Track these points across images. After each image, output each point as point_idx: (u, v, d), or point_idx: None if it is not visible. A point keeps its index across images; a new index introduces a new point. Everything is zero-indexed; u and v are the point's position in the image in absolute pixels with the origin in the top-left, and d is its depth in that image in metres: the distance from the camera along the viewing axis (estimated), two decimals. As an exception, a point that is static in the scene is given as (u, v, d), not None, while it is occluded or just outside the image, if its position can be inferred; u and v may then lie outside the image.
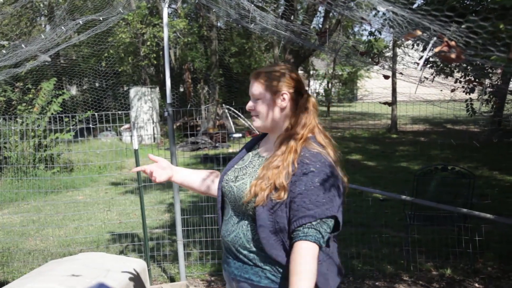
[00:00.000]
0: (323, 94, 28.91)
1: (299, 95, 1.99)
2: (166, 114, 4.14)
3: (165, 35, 4.33)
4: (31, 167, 9.02)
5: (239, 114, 17.23)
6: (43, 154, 9.54)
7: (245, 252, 1.91)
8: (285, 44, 16.83)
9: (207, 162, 11.41)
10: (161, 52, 17.74)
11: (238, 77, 22.74)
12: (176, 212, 4.46)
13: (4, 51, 4.67)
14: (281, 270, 1.86)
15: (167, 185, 5.83)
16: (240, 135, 15.21)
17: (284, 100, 1.95)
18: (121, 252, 5.44)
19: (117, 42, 17.70)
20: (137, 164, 4.50)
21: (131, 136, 4.70)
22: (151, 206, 7.34)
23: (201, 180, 2.26)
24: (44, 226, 6.57)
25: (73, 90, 22.89)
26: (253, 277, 1.88)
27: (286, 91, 1.95)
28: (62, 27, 4.76)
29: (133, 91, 16.52)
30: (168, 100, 4.23)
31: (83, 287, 2.57)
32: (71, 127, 9.50)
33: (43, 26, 20.33)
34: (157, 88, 17.93)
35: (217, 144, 14.17)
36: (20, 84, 11.38)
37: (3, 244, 5.87)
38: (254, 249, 1.89)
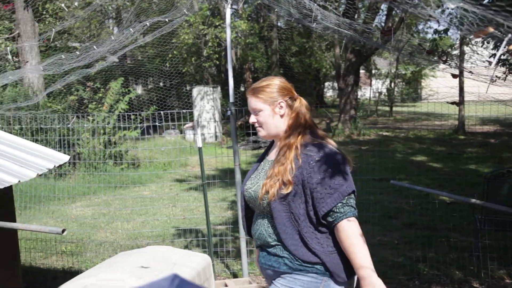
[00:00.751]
0: (386, 94, 28.28)
1: (293, 100, 2.24)
2: (229, 113, 4.22)
3: (228, 35, 4.41)
4: (101, 163, 9.45)
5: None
6: (112, 151, 9.98)
7: (267, 245, 2.19)
8: (347, 43, 16.63)
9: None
10: (223, 53, 18.02)
11: (299, 76, 22.68)
12: (239, 209, 4.53)
13: (78, 53, 4.94)
14: (296, 258, 2.09)
15: (230, 182, 5.93)
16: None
17: (282, 108, 2.21)
18: (185, 247, 5.60)
19: (180, 43, 18.17)
20: (201, 162, 4.64)
21: (195, 134, 4.83)
22: (214, 203, 7.50)
23: None
24: (113, 219, 6.88)
25: (139, 90, 23.70)
26: (274, 264, 2.16)
27: (281, 99, 2.21)
28: (131, 29, 4.97)
29: (195, 91, 16.89)
30: (231, 99, 4.31)
31: (151, 278, 2.68)
32: (138, 125, 9.86)
33: (111, 28, 21.20)
34: (219, 88, 18.23)
35: (277, 143, 14.20)
36: (91, 83, 11.95)
37: (77, 235, 6.21)
38: (273, 242, 2.16)
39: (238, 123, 16.12)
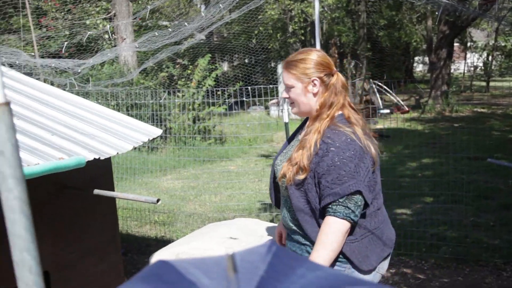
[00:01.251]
0: (482, 68, 26.50)
1: (330, 76, 2.05)
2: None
3: (316, 8, 4.32)
4: (190, 138, 9.79)
5: (387, 89, 16.63)
6: (199, 126, 10.29)
7: (289, 228, 2.12)
8: (441, 14, 15.70)
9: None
10: (308, 28, 17.78)
11: (388, 50, 21.87)
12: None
13: (170, 29, 5.09)
14: None
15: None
16: (388, 111, 14.68)
17: (315, 85, 2.04)
18: (271, 221, 5.68)
19: (266, 19, 18.16)
20: (287, 136, 4.62)
21: (282, 109, 4.82)
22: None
23: None
24: (201, 192, 7.13)
25: (225, 66, 24.12)
26: (298, 250, 2.08)
27: (316, 77, 2.02)
28: (220, 5, 5.03)
29: (281, 67, 16.87)
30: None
31: (240, 249, 2.75)
32: (226, 100, 10.05)
33: (198, 6, 21.63)
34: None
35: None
36: (180, 60, 12.33)
37: (168, 206, 6.52)
38: (294, 227, 2.08)
39: (323, 99, 15.90)
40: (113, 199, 3.92)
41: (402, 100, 16.78)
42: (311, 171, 1.94)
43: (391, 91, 16.65)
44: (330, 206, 1.91)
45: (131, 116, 8.21)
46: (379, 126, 13.16)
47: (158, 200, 2.86)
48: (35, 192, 3.19)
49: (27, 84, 4.03)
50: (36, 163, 2.67)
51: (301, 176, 1.95)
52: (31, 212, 0.88)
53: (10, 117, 0.83)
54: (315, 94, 2.05)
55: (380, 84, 16.78)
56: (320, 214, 1.97)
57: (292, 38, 18.70)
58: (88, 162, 3.05)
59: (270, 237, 3.05)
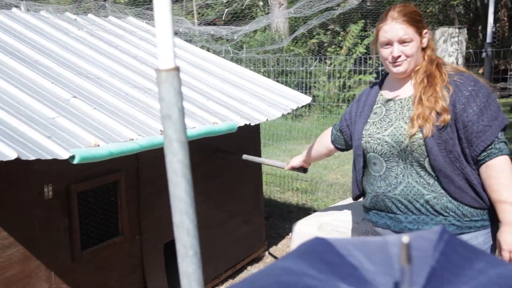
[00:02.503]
0: None
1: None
2: (484, 54, 3.77)
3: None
4: (335, 106, 9.67)
5: None
6: (346, 95, 10.09)
7: (421, 201, 1.84)
8: None
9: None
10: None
11: None
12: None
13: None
14: (466, 213, 1.81)
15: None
16: None
17: (425, 37, 1.93)
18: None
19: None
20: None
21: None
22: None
23: (323, 146, 2.47)
24: (344, 163, 7.04)
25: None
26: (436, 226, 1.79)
27: (426, 29, 1.93)
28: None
29: (439, 33, 15.68)
30: (488, 39, 3.83)
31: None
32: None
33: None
34: (465, 29, 16.57)
35: (532, 93, 12.40)
36: (332, 27, 12.13)
37: (311, 174, 6.55)
38: (433, 194, 1.83)
39: (483, 68, 14.52)
40: (259, 165, 4.05)
41: None
42: (451, 118, 1.79)
43: None
44: (491, 147, 1.77)
45: (279, 83, 8.36)
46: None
47: (305, 170, 2.87)
48: (191, 154, 3.41)
49: (187, 50, 4.29)
50: (193, 127, 2.83)
51: (443, 121, 1.78)
52: (191, 177, 0.91)
53: (179, 82, 0.85)
54: (423, 49, 1.94)
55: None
56: (467, 166, 1.79)
57: (456, 0, 17.18)
58: (239, 127, 3.17)
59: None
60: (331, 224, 2.70)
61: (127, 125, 2.54)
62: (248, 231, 4.01)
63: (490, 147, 1.77)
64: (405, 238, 0.58)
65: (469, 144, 1.78)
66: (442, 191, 1.82)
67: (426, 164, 1.83)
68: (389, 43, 1.89)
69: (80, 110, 2.54)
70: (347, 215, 2.76)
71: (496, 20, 19.30)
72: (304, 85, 7.88)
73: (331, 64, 10.23)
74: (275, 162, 3.29)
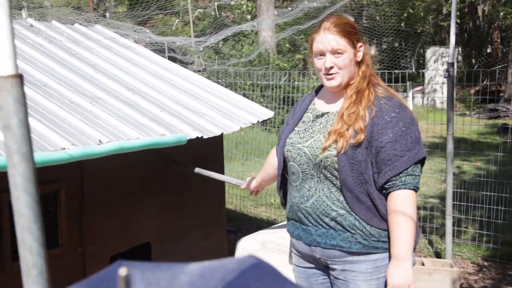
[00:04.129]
0: None
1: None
2: (446, 74, 3.72)
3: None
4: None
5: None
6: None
7: (330, 216, 1.79)
8: None
9: (506, 133, 10.08)
10: (466, 9, 16.25)
11: None
12: (448, 183, 4.04)
13: (315, 4, 4.94)
14: (373, 233, 1.75)
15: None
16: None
17: (360, 52, 1.87)
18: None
19: (419, 0, 17.00)
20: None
21: (427, 97, 4.42)
22: (430, 173, 6.94)
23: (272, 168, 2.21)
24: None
25: (372, 50, 23.27)
26: (342, 243, 1.77)
27: (361, 43, 1.88)
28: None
29: (430, 52, 15.75)
30: (450, 59, 3.79)
31: None
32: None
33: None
34: (458, 49, 16.62)
35: (521, 114, 12.37)
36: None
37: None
38: (341, 211, 1.77)
39: (475, 89, 14.51)
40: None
41: None
42: (365, 138, 1.73)
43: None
44: (397, 177, 1.72)
45: (264, 96, 8.31)
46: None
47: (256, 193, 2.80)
48: (143, 166, 3.35)
49: (153, 61, 4.24)
50: (137, 137, 2.77)
51: (360, 138, 1.72)
52: (36, 191, 0.84)
53: (20, 90, 0.79)
54: (357, 62, 1.88)
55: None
56: (375, 190, 1.75)
57: (446, 22, 17.26)
58: (198, 139, 3.11)
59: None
60: (273, 242, 2.64)
61: (63, 134, 2.47)
62: (207, 246, 3.92)
63: (395, 177, 1.72)
64: (123, 270, 0.51)
65: (378, 171, 1.74)
66: (350, 209, 1.77)
67: (336, 181, 1.78)
68: (322, 54, 1.85)
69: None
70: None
71: (490, 41, 19.39)
72: (290, 99, 7.86)
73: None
74: (231, 179, 3.21)
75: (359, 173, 1.74)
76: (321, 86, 2.03)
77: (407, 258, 1.67)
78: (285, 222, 3.04)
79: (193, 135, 3.13)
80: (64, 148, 2.34)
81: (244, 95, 8.97)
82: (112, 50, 4.03)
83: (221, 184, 4.06)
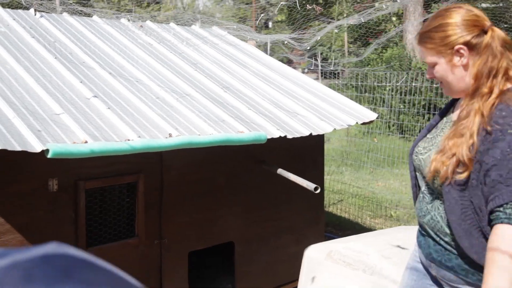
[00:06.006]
0: None
1: (482, 35, 1.49)
2: None
3: None
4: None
5: None
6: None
7: (446, 239, 1.57)
8: None
9: None
10: None
11: None
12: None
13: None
14: (473, 267, 1.49)
15: None
16: None
17: (463, 55, 1.50)
18: None
19: None
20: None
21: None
22: None
23: None
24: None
25: None
26: (458, 269, 1.54)
27: (460, 43, 1.49)
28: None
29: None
30: None
31: (399, 260, 2.28)
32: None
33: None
34: None
35: None
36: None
37: (411, 201, 5.97)
38: (448, 230, 1.55)
39: None
40: (320, 176, 3.79)
41: None
42: (476, 163, 1.44)
43: None
44: (501, 208, 1.40)
45: (404, 102, 7.83)
46: None
47: (316, 188, 2.58)
48: (230, 163, 3.31)
49: (256, 58, 4.21)
50: (210, 133, 2.73)
51: (462, 175, 1.45)
52: None
53: None
54: (465, 66, 1.52)
55: None
56: (486, 220, 1.45)
57: None
58: (296, 140, 3.01)
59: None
60: (339, 252, 2.39)
61: (134, 126, 2.54)
62: (300, 251, 3.74)
63: (500, 209, 1.40)
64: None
65: (487, 198, 1.44)
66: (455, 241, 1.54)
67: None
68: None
69: (94, 109, 2.61)
70: (361, 245, 2.41)
71: None
72: (432, 105, 7.29)
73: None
74: (307, 182, 3.00)
75: (470, 202, 1.48)
76: None
77: None
78: (359, 234, 2.75)
79: (276, 134, 3.00)
80: (128, 140, 2.39)
81: (382, 99, 8.54)
82: (217, 48, 4.09)
83: (319, 184, 3.86)
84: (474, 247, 1.46)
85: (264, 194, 3.48)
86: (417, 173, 1.71)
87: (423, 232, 1.69)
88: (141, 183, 2.84)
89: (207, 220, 3.21)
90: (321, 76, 9.80)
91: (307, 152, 3.73)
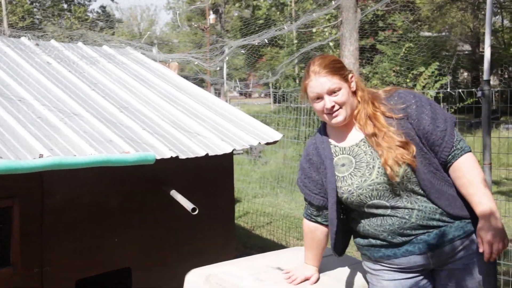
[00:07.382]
0: None
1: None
2: (479, 94, 3.10)
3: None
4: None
5: None
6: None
7: (436, 217, 1.86)
8: None
9: None
10: None
11: None
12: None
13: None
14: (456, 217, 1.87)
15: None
16: None
17: (353, 81, 1.95)
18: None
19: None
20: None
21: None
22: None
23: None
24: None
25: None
26: (457, 232, 1.86)
27: (351, 74, 1.95)
28: None
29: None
30: (486, 77, 3.14)
31: (273, 283, 2.21)
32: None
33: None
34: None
35: None
36: (396, 68, 11.32)
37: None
38: (434, 223, 1.86)
39: None
40: (232, 203, 3.71)
41: None
42: (411, 139, 1.84)
43: None
44: (453, 148, 1.85)
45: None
46: None
47: (193, 209, 2.49)
48: (124, 185, 3.17)
49: (164, 78, 4.13)
50: (90, 153, 2.60)
51: (412, 149, 1.83)
52: None
53: None
54: (353, 92, 1.95)
55: None
56: (444, 169, 1.89)
57: None
58: (203, 162, 2.95)
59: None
60: (217, 276, 2.30)
61: (0, 146, 2.38)
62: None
63: (452, 148, 1.84)
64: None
65: (434, 153, 1.86)
66: (442, 207, 1.86)
67: (416, 192, 1.87)
68: (319, 97, 1.91)
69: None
70: (236, 269, 2.33)
71: None
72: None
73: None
74: (188, 204, 2.89)
75: (433, 169, 1.85)
76: (322, 129, 2.06)
77: (494, 209, 1.76)
78: (236, 259, 2.66)
79: (168, 154, 2.89)
80: (41, 155, 2.23)
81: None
82: (125, 68, 3.98)
83: (231, 211, 3.77)
84: (447, 201, 1.83)
85: (168, 218, 3.34)
86: (369, 203, 1.88)
87: (415, 237, 1.86)
88: (16, 208, 2.66)
89: (98, 246, 3.04)
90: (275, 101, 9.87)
91: (217, 173, 3.64)
